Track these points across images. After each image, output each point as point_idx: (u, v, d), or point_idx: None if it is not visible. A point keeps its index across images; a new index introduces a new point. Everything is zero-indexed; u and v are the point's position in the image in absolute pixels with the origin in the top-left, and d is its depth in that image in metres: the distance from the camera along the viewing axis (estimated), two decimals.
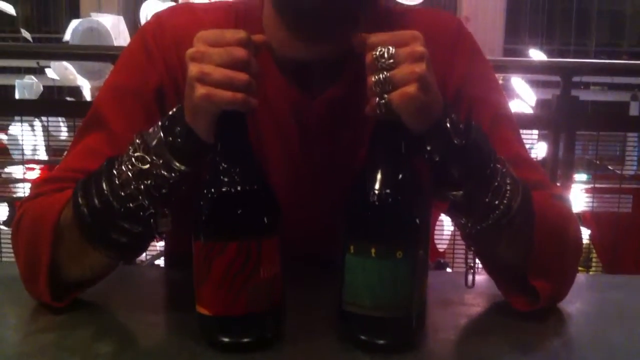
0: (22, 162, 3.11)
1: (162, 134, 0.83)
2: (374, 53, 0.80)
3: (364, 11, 0.96)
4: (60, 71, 4.08)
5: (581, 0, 9.18)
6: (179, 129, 0.83)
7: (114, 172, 0.85)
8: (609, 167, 3.96)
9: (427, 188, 0.83)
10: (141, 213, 0.84)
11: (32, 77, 4.43)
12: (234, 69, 0.78)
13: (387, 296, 0.78)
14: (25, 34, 5.53)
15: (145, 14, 4.33)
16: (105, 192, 0.84)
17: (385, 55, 0.80)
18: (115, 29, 4.14)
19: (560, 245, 0.95)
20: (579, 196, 3.34)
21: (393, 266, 0.77)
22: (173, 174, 0.83)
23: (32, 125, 3.28)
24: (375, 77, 0.80)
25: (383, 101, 0.79)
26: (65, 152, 1.06)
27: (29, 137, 3.28)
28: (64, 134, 3.48)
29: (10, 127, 3.39)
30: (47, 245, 0.89)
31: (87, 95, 4.47)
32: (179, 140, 0.82)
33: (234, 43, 0.80)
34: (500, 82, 4.06)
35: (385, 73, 0.79)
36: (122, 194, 0.83)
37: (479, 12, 7.59)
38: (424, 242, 0.79)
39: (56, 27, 7.06)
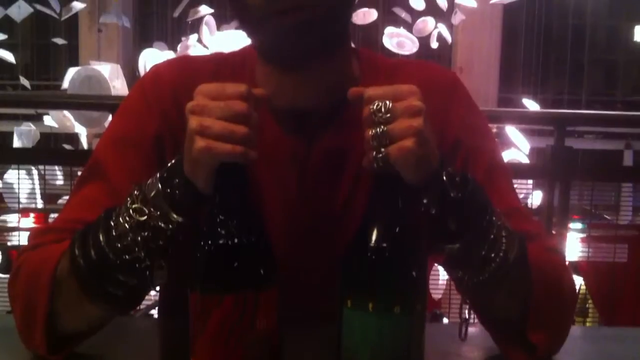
0: (18, 210, 3.10)
1: (160, 186, 0.84)
2: (371, 107, 0.81)
3: (338, 44, 0.99)
4: (58, 119, 4.10)
5: (574, 50, 9.29)
6: (177, 180, 0.83)
7: (112, 223, 0.85)
8: (605, 216, 3.96)
9: (424, 241, 0.83)
10: (137, 265, 0.84)
11: (30, 124, 4.45)
12: (234, 122, 0.79)
13: (385, 351, 0.78)
14: (24, 81, 5.57)
15: (144, 62, 4.38)
16: (102, 243, 0.84)
17: (383, 109, 0.81)
18: (114, 78, 4.18)
19: (556, 298, 0.95)
20: (574, 245, 3.34)
21: (391, 321, 0.77)
22: (170, 226, 0.83)
23: (28, 173, 3.29)
24: (372, 131, 0.81)
25: (380, 155, 0.80)
26: (61, 199, 1.07)
27: (24, 184, 3.28)
28: (59, 181, 3.48)
29: (6, 175, 3.39)
30: (44, 297, 0.89)
31: (84, 143, 4.49)
32: (177, 192, 0.83)
33: (234, 96, 0.81)
34: (495, 130, 4.11)
35: (382, 127, 0.80)
36: (119, 245, 0.83)
37: (473, 62, 7.68)
38: (421, 296, 0.79)
39: (55, 74, 7.12)
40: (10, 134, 4.46)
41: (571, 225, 3.42)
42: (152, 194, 0.83)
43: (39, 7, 5.39)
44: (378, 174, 0.81)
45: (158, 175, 0.85)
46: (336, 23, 0.97)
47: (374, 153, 0.80)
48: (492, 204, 0.88)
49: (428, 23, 5.39)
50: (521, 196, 3.09)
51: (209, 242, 0.78)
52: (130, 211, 0.84)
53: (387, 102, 0.81)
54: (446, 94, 1.06)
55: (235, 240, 0.78)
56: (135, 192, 0.85)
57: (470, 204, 0.84)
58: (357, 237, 0.80)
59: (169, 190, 0.83)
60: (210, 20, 4.66)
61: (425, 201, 0.83)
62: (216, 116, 0.79)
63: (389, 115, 0.80)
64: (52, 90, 6.76)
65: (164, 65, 1.10)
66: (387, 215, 0.80)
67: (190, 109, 0.81)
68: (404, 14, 5.46)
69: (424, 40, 5.49)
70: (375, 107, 0.81)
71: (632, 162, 7.30)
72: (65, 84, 4.26)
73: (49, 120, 4.39)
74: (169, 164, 0.86)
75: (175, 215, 0.83)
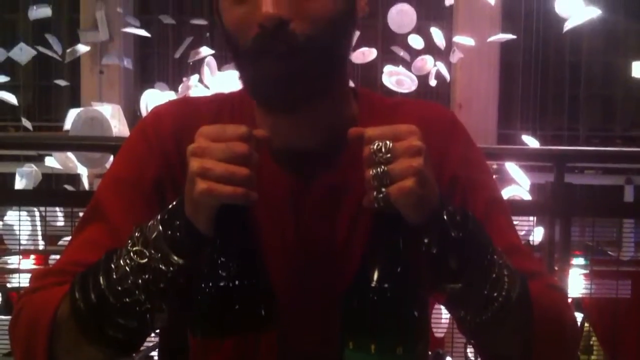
0: (19, 251, 3.10)
1: (161, 228, 0.84)
2: (371, 147, 0.82)
3: (332, 87, 0.99)
4: (61, 160, 4.11)
5: (572, 86, 9.35)
6: (178, 222, 0.83)
7: (112, 266, 0.85)
8: (608, 252, 3.95)
9: (426, 280, 0.83)
10: (137, 308, 0.84)
11: (32, 165, 4.46)
12: (235, 164, 0.80)
13: None
14: (26, 122, 5.60)
15: (145, 103, 4.41)
16: (102, 286, 0.84)
17: (383, 149, 0.81)
18: (114, 118, 4.20)
19: (559, 336, 0.95)
20: (577, 281, 3.32)
21: None
22: (171, 268, 0.83)
23: (30, 214, 3.29)
24: (373, 171, 0.81)
25: (381, 195, 0.80)
26: (62, 241, 1.07)
27: (25, 225, 3.27)
28: (60, 222, 3.48)
29: (6, 216, 3.38)
30: (44, 340, 0.88)
31: (86, 183, 4.49)
32: (178, 234, 0.83)
33: (235, 138, 0.81)
34: (495, 167, 4.12)
35: (383, 167, 0.81)
36: (119, 288, 0.83)
37: (472, 99, 7.72)
38: (423, 336, 0.79)
39: (57, 115, 7.16)
40: (12, 175, 4.47)
41: (573, 261, 3.40)
42: (153, 235, 0.83)
43: (41, 49, 5.45)
44: (378, 213, 0.82)
45: (159, 217, 0.85)
46: (328, 69, 0.96)
47: (375, 193, 0.80)
48: (492, 241, 0.88)
49: (427, 61, 5.44)
50: (522, 233, 3.09)
51: (210, 284, 0.78)
52: (131, 254, 0.84)
53: (388, 142, 0.82)
54: (445, 132, 1.07)
55: (236, 283, 0.77)
56: (136, 233, 0.85)
57: (471, 243, 0.84)
58: (357, 277, 0.80)
59: (169, 232, 0.83)
60: (212, 60, 4.70)
61: (426, 241, 0.83)
62: (217, 158, 0.80)
63: (389, 155, 0.81)
64: (54, 131, 6.79)
65: (165, 107, 1.11)
66: (388, 255, 0.80)
67: (192, 151, 0.82)
68: (402, 53, 5.52)
69: (422, 78, 5.53)
70: (375, 147, 0.82)
71: (632, 197, 7.29)
72: (67, 125, 4.28)
73: (49, 161, 4.41)
74: (170, 206, 0.86)
75: (176, 257, 0.83)
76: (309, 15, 0.89)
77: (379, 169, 0.81)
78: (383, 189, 0.80)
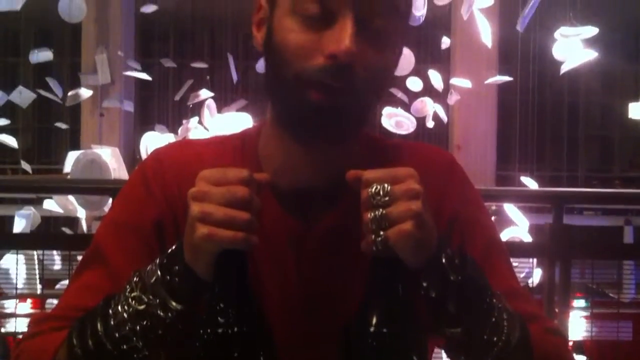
0: (15, 295, 3.08)
1: (159, 273, 0.83)
2: (369, 190, 0.82)
3: (366, 121, 0.99)
4: (60, 202, 4.12)
5: (570, 127, 9.41)
6: (177, 267, 0.83)
7: (110, 312, 0.84)
8: (610, 294, 3.93)
9: (425, 324, 0.83)
10: (135, 355, 0.83)
11: (31, 207, 4.46)
12: (236, 208, 0.79)
13: None
14: (25, 165, 5.61)
15: (145, 146, 4.43)
16: (100, 333, 0.83)
17: (381, 192, 0.81)
18: (113, 161, 4.22)
19: None
20: (578, 323, 3.30)
21: None
22: (169, 314, 0.82)
23: (28, 258, 3.28)
24: (371, 214, 0.81)
25: (380, 239, 0.80)
26: (59, 285, 1.06)
27: (21, 269, 3.26)
28: (57, 265, 3.47)
29: (2, 260, 3.37)
30: None
31: (84, 226, 4.49)
32: (177, 279, 0.82)
33: (236, 182, 0.81)
34: (494, 208, 4.12)
35: (381, 210, 0.81)
36: (117, 335, 0.83)
37: (470, 140, 7.77)
38: None
39: (56, 158, 7.19)
40: (10, 218, 4.47)
41: (574, 303, 3.39)
42: (152, 281, 0.83)
43: (42, 92, 5.49)
44: (377, 257, 0.81)
45: (158, 261, 0.85)
46: (369, 112, 0.97)
47: (373, 236, 0.80)
48: (491, 284, 0.88)
49: (426, 103, 5.48)
50: (522, 275, 3.08)
51: (208, 330, 0.77)
52: (129, 299, 0.83)
53: (386, 185, 0.82)
54: (444, 174, 1.07)
55: (235, 330, 0.77)
56: (135, 278, 0.84)
57: (470, 287, 0.84)
58: (356, 321, 0.80)
59: (168, 277, 0.83)
60: (211, 103, 4.74)
61: (425, 284, 0.83)
62: (218, 202, 0.80)
63: (387, 198, 0.81)
64: (53, 173, 6.82)
65: (165, 149, 1.10)
66: (386, 299, 0.80)
67: (192, 195, 0.81)
68: (400, 94, 5.56)
69: (421, 120, 5.57)
70: (373, 190, 0.82)
71: (632, 238, 7.27)
72: (67, 168, 4.30)
73: (48, 204, 4.41)
74: (169, 251, 0.85)
75: (174, 303, 0.82)
76: (371, 63, 0.91)
77: (377, 212, 0.81)
78: (381, 233, 0.80)
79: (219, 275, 0.80)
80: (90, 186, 3.10)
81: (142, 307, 0.82)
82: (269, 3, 0.95)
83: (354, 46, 0.86)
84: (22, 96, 5.19)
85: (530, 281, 3.02)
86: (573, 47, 4.63)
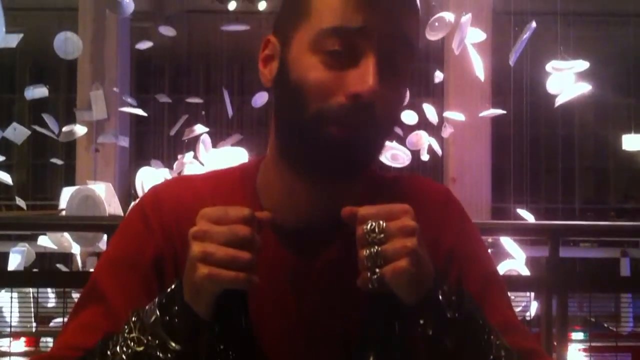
0: (10, 334, 3.05)
1: (158, 313, 0.82)
2: (364, 227, 0.81)
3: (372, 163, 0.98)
4: (55, 239, 4.10)
5: (565, 159, 9.47)
6: (176, 308, 0.81)
7: (108, 353, 0.83)
8: (610, 328, 3.92)
9: None
10: None
11: (26, 244, 4.45)
12: (237, 248, 0.78)
13: None
14: (20, 201, 5.60)
15: (141, 181, 4.43)
16: None
17: (377, 229, 0.81)
18: (108, 197, 4.22)
19: None
20: (576, 356, 3.28)
21: None
22: (169, 355, 0.81)
23: (23, 295, 3.25)
24: (366, 252, 0.80)
25: (375, 276, 0.79)
26: (53, 322, 1.04)
27: (15, 306, 3.23)
28: (52, 302, 3.44)
29: None
30: None
31: (79, 262, 4.47)
32: (176, 319, 0.81)
33: (237, 221, 0.80)
34: (490, 240, 4.11)
35: (376, 247, 0.80)
36: None
37: (465, 173, 7.80)
38: None
39: (51, 194, 7.18)
40: (4, 254, 4.45)
41: (572, 335, 3.37)
42: (150, 321, 0.82)
43: (37, 128, 5.51)
44: (373, 294, 0.81)
45: (157, 300, 0.83)
46: (381, 149, 0.97)
47: (369, 274, 0.80)
48: (488, 319, 0.87)
49: (421, 136, 5.52)
50: (519, 308, 3.06)
51: None
52: (128, 340, 0.82)
53: (381, 222, 0.81)
54: (440, 208, 1.07)
55: None
56: (133, 318, 0.83)
57: (467, 324, 0.83)
58: (353, 358, 0.79)
59: (167, 318, 0.81)
60: (206, 138, 4.76)
61: (421, 322, 0.82)
62: (219, 242, 0.78)
63: (382, 235, 0.80)
64: (48, 209, 6.80)
65: (163, 186, 1.10)
66: (383, 336, 0.79)
67: (193, 235, 0.80)
68: (396, 128, 5.59)
69: (416, 152, 5.60)
70: (369, 227, 0.81)
71: (629, 269, 7.28)
72: (62, 204, 4.29)
73: (42, 241, 4.40)
74: (168, 290, 0.84)
75: (173, 344, 0.81)
76: (390, 100, 0.91)
77: (372, 250, 0.80)
78: (377, 270, 0.79)
79: (219, 316, 0.79)
80: (85, 223, 3.08)
81: (140, 348, 0.81)
82: (280, 39, 0.94)
83: (377, 85, 0.86)
84: (17, 132, 5.21)
85: (528, 314, 3.01)
86: (566, 81, 4.68)
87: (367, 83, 0.85)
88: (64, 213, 4.23)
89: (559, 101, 4.78)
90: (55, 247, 4.29)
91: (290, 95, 0.91)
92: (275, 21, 0.97)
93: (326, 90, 0.88)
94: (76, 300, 1.04)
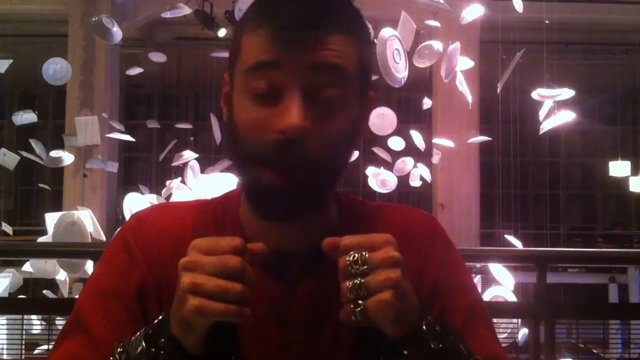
0: None
1: (144, 344, 0.80)
2: (347, 258, 0.80)
3: (328, 194, 0.97)
4: (38, 266, 4.07)
5: (552, 186, 9.52)
6: (163, 340, 0.80)
7: None
8: (600, 354, 3.91)
9: None
10: None
11: (13, 270, 4.41)
12: (228, 279, 0.77)
13: None
14: (6, 227, 5.56)
15: (129, 207, 4.41)
16: None
17: (359, 261, 0.79)
18: (88, 223, 4.19)
19: None
20: None
21: None
22: None
23: (8, 322, 3.22)
24: (349, 284, 0.79)
25: (359, 309, 0.78)
26: (38, 349, 1.03)
27: (2, 332, 3.20)
28: (37, 329, 3.41)
29: None
30: None
31: (65, 288, 4.43)
32: (162, 352, 0.80)
33: (228, 251, 0.79)
34: (478, 266, 4.11)
35: (359, 279, 0.79)
36: None
37: (453, 199, 7.80)
38: None
39: (37, 220, 7.14)
40: None
41: None
42: (136, 353, 0.81)
43: (24, 154, 5.49)
44: (356, 326, 0.80)
45: (142, 332, 0.82)
46: (329, 184, 0.95)
47: (352, 306, 0.79)
48: (473, 351, 0.87)
49: (407, 163, 5.54)
50: (504, 335, 3.06)
51: None
52: None
53: (364, 253, 0.80)
54: (426, 239, 1.06)
55: None
56: (119, 349, 0.82)
57: (452, 356, 0.83)
58: None
59: (153, 350, 0.80)
60: (194, 164, 4.75)
61: (405, 353, 0.82)
62: (209, 273, 0.77)
63: (365, 267, 0.79)
64: (34, 235, 6.76)
65: (146, 212, 1.09)
66: None
67: (183, 265, 0.79)
68: (383, 154, 5.61)
69: (405, 179, 5.61)
70: (351, 258, 0.80)
71: (617, 295, 7.29)
72: (49, 230, 4.26)
73: (27, 266, 4.36)
74: (154, 321, 0.83)
75: None
76: (325, 135, 0.88)
77: (355, 282, 0.78)
78: (360, 302, 0.78)
79: (208, 348, 0.78)
80: (73, 249, 3.06)
81: None
82: (230, 79, 0.94)
83: (301, 121, 0.84)
84: (6, 158, 5.19)
85: (516, 340, 3.01)
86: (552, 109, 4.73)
87: (289, 120, 0.83)
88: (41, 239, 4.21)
89: (543, 128, 4.82)
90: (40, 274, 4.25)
91: (231, 136, 0.91)
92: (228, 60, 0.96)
93: (256, 130, 0.87)
94: (60, 327, 1.02)
